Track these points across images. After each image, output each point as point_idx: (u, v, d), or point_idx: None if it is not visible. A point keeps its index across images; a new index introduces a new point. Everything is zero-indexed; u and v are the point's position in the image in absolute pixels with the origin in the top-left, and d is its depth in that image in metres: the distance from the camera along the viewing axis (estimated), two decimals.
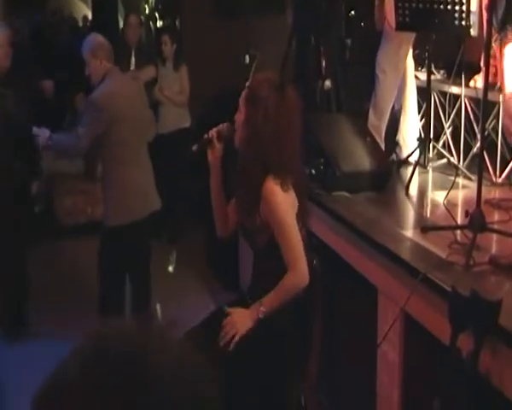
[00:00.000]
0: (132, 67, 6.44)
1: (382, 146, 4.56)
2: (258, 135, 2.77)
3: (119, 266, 4.34)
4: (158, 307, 5.21)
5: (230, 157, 2.94)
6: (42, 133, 4.23)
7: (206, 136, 2.95)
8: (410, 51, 4.80)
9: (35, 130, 4.26)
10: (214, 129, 2.95)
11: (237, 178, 2.91)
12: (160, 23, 9.72)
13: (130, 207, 4.20)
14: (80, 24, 13.94)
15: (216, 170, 2.99)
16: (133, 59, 6.49)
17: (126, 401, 0.77)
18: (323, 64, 5.17)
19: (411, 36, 4.67)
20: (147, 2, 10.37)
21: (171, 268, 6.31)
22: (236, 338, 2.71)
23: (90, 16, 13.98)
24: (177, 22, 8.50)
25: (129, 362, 0.80)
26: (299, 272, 2.75)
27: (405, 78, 4.81)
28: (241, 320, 2.76)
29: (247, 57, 6.26)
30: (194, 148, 2.96)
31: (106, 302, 4.35)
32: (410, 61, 4.84)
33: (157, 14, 9.94)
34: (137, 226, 4.23)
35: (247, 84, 2.98)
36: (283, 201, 2.78)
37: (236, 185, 2.94)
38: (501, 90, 4.16)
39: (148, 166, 4.40)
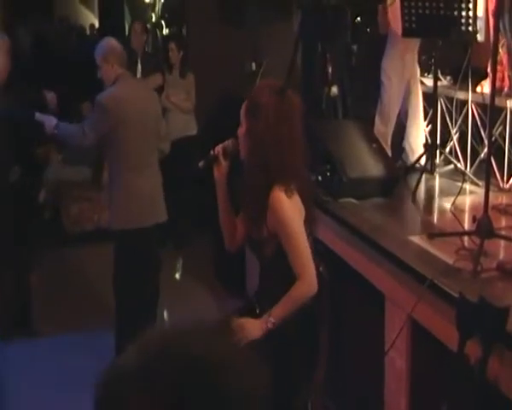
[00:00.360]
0: (138, 75, 6.46)
1: (389, 152, 4.55)
2: (260, 143, 2.77)
3: (132, 272, 4.34)
4: (164, 313, 5.20)
5: (237, 172, 2.93)
6: (48, 121, 4.18)
7: (211, 152, 2.94)
8: (416, 57, 4.80)
9: (38, 115, 4.18)
10: (220, 145, 2.94)
11: (243, 190, 2.90)
12: (166, 31, 9.78)
13: (132, 211, 4.20)
14: (87, 32, 14.02)
15: (222, 186, 2.98)
16: (139, 66, 6.51)
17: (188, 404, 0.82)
18: (330, 70, 5.17)
19: (416, 42, 4.67)
20: (153, 10, 10.42)
21: (177, 275, 6.31)
22: (243, 341, 2.70)
23: (96, 24, 14.07)
24: (183, 30, 8.53)
25: (190, 364, 0.84)
26: (308, 279, 2.74)
27: (411, 83, 4.80)
28: (249, 327, 2.76)
29: (254, 64, 6.28)
30: (201, 164, 2.95)
31: (121, 309, 4.37)
32: (415, 67, 4.83)
33: (163, 22, 10.00)
34: (144, 234, 4.22)
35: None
36: (290, 208, 2.77)
37: (243, 196, 2.94)
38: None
39: (157, 176, 4.38)
